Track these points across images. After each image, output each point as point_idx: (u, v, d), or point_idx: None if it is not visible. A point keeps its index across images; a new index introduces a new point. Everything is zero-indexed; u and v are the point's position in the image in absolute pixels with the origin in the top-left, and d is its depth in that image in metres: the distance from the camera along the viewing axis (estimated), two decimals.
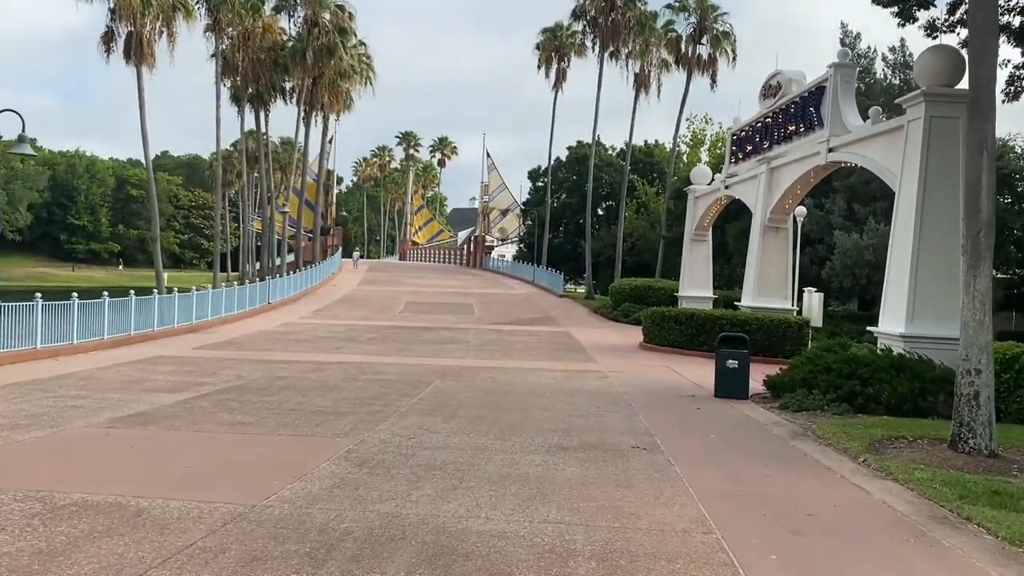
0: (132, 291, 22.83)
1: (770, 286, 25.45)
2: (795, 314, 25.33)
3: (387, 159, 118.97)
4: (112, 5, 36.14)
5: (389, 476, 8.17)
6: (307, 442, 9.93)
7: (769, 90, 25.60)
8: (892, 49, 39.15)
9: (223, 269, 78.78)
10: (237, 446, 9.67)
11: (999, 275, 38.75)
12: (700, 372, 19.59)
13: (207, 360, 18.63)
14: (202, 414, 11.59)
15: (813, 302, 25.85)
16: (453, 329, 29.34)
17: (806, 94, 22.59)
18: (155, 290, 26.14)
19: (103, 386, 14.12)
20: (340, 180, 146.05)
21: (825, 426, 11.99)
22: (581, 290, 57.17)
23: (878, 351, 15.51)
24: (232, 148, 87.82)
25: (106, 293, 21.27)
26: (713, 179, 33.34)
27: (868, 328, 17.95)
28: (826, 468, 9.47)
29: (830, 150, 20.70)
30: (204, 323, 27.02)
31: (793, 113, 23.46)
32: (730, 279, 50.84)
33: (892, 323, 15.96)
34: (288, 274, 42.97)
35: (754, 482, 8.62)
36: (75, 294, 20.20)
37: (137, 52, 35.68)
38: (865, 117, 19.48)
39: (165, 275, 51.24)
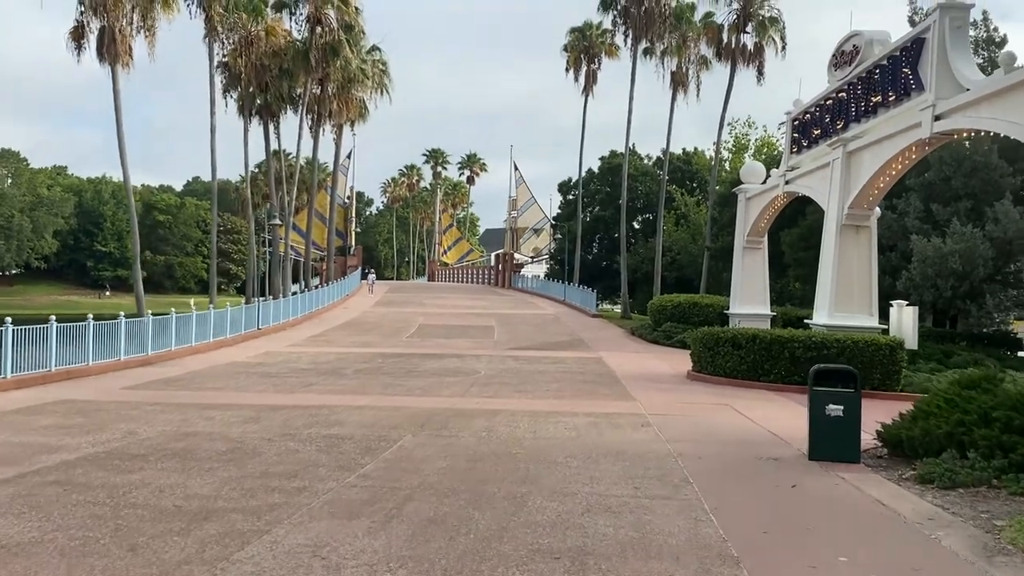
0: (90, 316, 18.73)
1: (851, 299, 20.41)
2: (881, 333, 20.27)
3: (415, 178, 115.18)
4: None
5: None
6: None
7: (843, 57, 20.72)
8: (974, 24, 33.84)
9: (242, 291, 75.03)
10: None
11: None
12: (774, 414, 14.70)
13: (118, 406, 14.15)
14: None
15: (905, 318, 20.73)
16: (463, 356, 24.66)
17: (897, 53, 17.70)
18: (122, 315, 21.86)
19: None
20: (370, 202, 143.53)
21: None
22: (617, 309, 52.25)
23: None
24: (257, 169, 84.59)
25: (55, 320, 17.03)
26: (768, 177, 28.42)
27: None
28: None
29: (936, 118, 15.75)
30: (166, 354, 22.67)
31: (879, 79, 18.55)
32: (783, 294, 45.65)
33: None
34: (293, 294, 38.72)
35: None
36: None
37: (111, 49, 31.92)
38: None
39: (191, 300, 47.12)
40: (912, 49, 16.94)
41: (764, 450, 11.13)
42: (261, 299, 32.88)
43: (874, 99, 18.73)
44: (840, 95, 20.75)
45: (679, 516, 7.48)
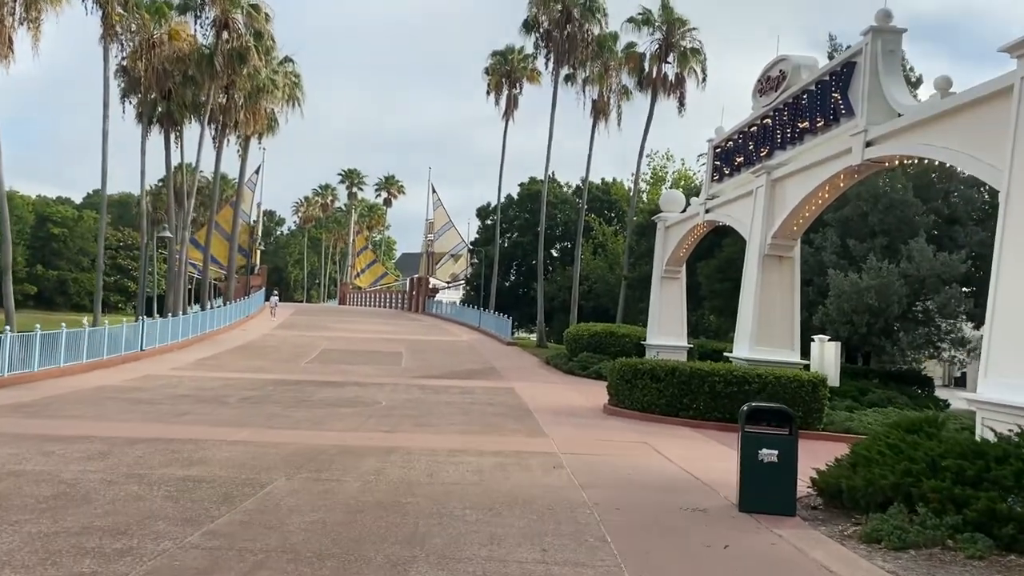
0: None
1: (772, 332, 19.62)
2: (802, 368, 19.52)
3: (330, 198, 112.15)
4: None
5: None
6: None
7: (768, 83, 20.11)
8: None
9: (149, 313, 70.72)
10: None
11: None
12: (695, 454, 13.56)
13: None
14: None
15: (828, 354, 20.11)
16: (365, 385, 22.88)
17: (826, 78, 17.06)
18: None
19: None
20: (281, 221, 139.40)
21: None
22: (533, 338, 51.09)
23: (991, 433, 9.65)
24: (161, 183, 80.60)
25: None
26: (687, 205, 27.76)
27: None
28: None
29: (868, 144, 15.05)
30: (25, 376, 20.14)
31: (807, 105, 17.89)
32: (698, 327, 45.23)
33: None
34: (183, 314, 36.07)
35: None
36: None
37: None
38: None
39: (84, 319, 43.60)
40: (842, 73, 16.30)
41: (689, 498, 9.86)
42: (147, 318, 30.26)
43: (801, 125, 18.06)
44: (765, 121, 20.09)
45: None
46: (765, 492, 9.17)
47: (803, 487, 9.75)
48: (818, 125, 17.30)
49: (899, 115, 14.26)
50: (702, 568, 7.04)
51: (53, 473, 9.66)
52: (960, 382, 47.30)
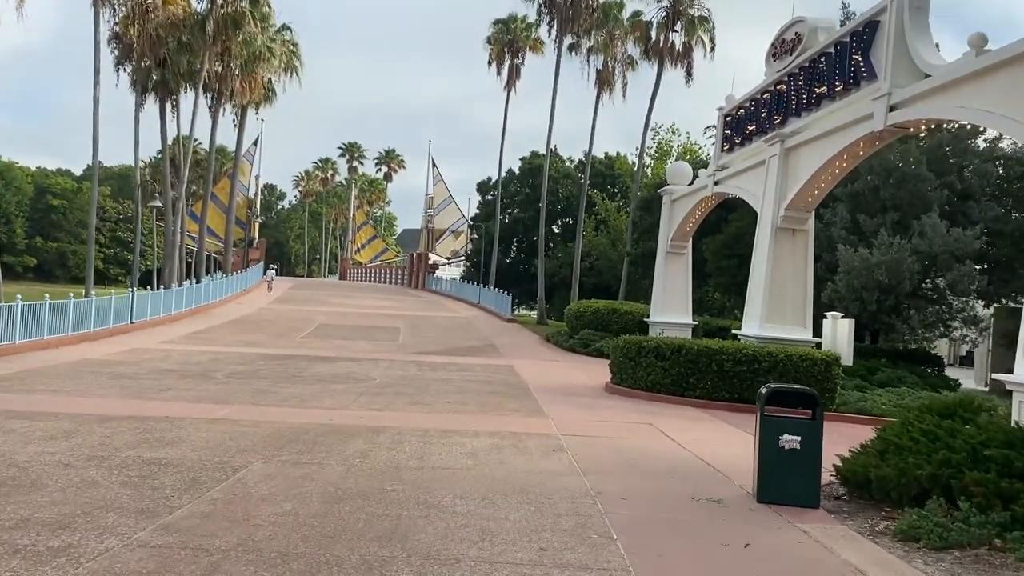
0: None
1: (784, 309, 18.74)
2: (814, 347, 18.67)
3: (330, 172, 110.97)
4: None
5: None
6: None
7: (783, 47, 19.07)
8: None
9: (148, 286, 69.74)
10: None
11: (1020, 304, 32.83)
12: (704, 436, 12.76)
13: None
14: None
15: (841, 332, 19.25)
16: (360, 360, 22.07)
17: (846, 39, 16.04)
18: None
19: None
20: (282, 196, 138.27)
21: None
22: (533, 315, 50.28)
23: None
24: (160, 156, 79.47)
25: None
26: (695, 177, 26.79)
27: None
28: None
29: (891, 108, 14.07)
30: (6, 348, 19.37)
31: (824, 69, 16.87)
32: (702, 304, 44.32)
33: None
34: (178, 287, 35.19)
35: None
36: None
37: None
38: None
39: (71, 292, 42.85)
40: (864, 34, 15.29)
41: (701, 487, 9.04)
42: (139, 290, 29.38)
43: (818, 90, 17.06)
44: (779, 88, 19.08)
45: None
46: (786, 482, 8.35)
47: (824, 475, 8.93)
48: (836, 90, 16.30)
49: (926, 76, 13.28)
50: (722, 574, 6.21)
51: (6, 455, 8.85)
52: (966, 361, 46.47)
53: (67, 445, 9.55)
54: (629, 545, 6.55)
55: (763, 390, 8.67)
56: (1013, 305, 33.27)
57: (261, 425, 11.53)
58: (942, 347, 38.69)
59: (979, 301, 30.69)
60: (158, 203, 35.26)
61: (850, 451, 9.27)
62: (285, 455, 9.54)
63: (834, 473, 9.08)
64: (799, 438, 8.31)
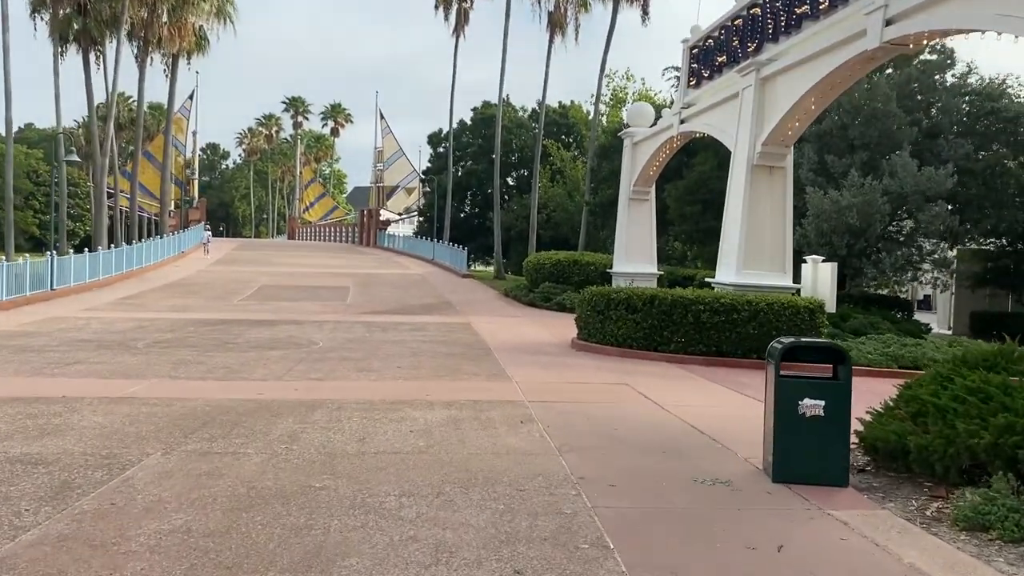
0: None
1: (762, 253, 17.31)
2: (794, 293, 17.34)
3: (274, 128, 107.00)
4: None
5: None
6: None
7: None
8: None
9: (82, 249, 66.18)
10: None
11: (982, 245, 32.11)
12: (688, 397, 11.33)
13: None
14: None
15: (822, 276, 17.92)
16: (302, 323, 20.22)
17: None
18: None
19: None
20: (226, 155, 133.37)
21: None
22: (490, 270, 48.62)
23: None
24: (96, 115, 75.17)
25: None
26: (658, 118, 25.14)
27: None
28: None
29: (888, 22, 12.51)
30: None
31: None
32: (661, 253, 43.03)
33: None
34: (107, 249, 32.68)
35: None
36: None
37: None
38: None
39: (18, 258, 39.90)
40: None
41: (701, 463, 7.51)
42: (61, 254, 26.97)
43: (799, 10, 15.42)
44: (753, 11, 17.41)
45: None
46: (807, 456, 6.85)
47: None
48: (821, 7, 14.68)
49: None
50: None
51: None
52: (923, 305, 46.12)
53: None
54: (631, 559, 4.97)
55: (777, 345, 7.12)
56: (975, 247, 32.59)
57: (173, 404, 9.72)
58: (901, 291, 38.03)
59: (945, 243, 29.85)
60: (75, 158, 32.46)
61: (868, 413, 7.83)
62: (193, 443, 7.78)
63: (856, 440, 7.63)
64: (823, 402, 6.80)
